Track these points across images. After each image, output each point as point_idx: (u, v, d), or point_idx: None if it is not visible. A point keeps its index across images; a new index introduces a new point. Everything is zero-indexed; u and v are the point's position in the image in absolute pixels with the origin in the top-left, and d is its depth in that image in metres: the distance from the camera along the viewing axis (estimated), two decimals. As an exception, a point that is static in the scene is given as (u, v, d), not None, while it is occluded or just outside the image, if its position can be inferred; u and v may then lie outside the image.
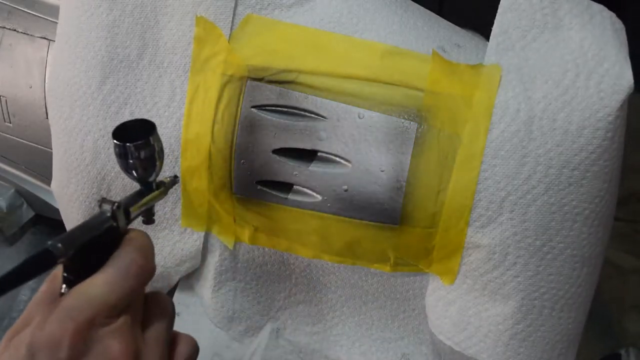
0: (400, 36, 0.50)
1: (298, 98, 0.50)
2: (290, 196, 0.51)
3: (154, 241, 0.57)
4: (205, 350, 0.59)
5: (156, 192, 0.37)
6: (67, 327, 0.29)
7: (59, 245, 0.29)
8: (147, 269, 0.33)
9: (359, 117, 0.49)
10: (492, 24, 0.49)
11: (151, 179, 0.37)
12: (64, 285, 0.31)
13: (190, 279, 0.60)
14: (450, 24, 0.56)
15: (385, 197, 0.49)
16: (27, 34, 0.60)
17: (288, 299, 0.59)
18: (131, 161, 0.36)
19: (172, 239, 0.56)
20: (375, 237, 0.51)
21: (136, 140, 0.35)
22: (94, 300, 0.30)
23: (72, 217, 0.57)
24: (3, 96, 0.62)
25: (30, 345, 0.28)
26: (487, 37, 0.50)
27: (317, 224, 0.51)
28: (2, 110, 0.62)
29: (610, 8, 0.51)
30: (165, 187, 0.38)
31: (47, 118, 0.57)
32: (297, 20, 0.51)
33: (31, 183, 0.68)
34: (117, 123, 0.37)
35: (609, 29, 0.48)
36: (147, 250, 0.33)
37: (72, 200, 0.55)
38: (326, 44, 0.50)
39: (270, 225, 0.53)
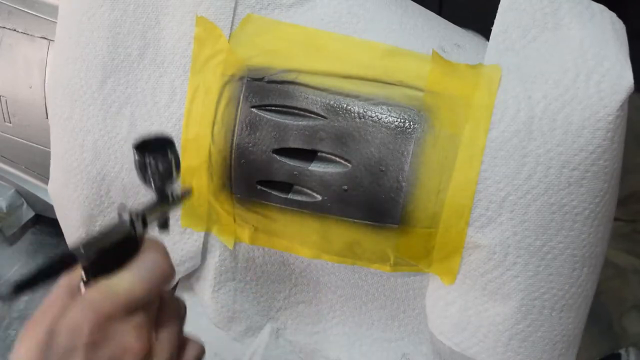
0: (400, 36, 0.50)
1: (298, 98, 0.50)
2: (290, 196, 0.51)
3: (154, 241, 0.57)
4: (206, 351, 0.59)
5: (171, 203, 0.40)
6: (88, 316, 0.30)
7: (81, 249, 0.31)
8: (169, 272, 0.34)
9: (358, 117, 0.49)
10: (492, 24, 0.50)
11: (167, 190, 0.39)
12: (81, 284, 0.33)
13: (190, 279, 0.60)
14: (450, 24, 0.56)
15: (386, 197, 0.49)
16: (27, 34, 0.60)
17: (288, 299, 0.59)
18: (149, 173, 0.38)
19: (172, 239, 0.56)
20: (375, 237, 0.51)
21: (155, 153, 0.38)
22: (117, 296, 0.31)
23: (71, 218, 0.56)
24: (3, 96, 0.62)
25: (49, 328, 0.29)
26: (487, 37, 0.50)
27: (317, 224, 0.51)
28: (2, 110, 0.62)
29: (610, 8, 0.51)
30: (179, 198, 0.40)
31: (47, 118, 0.57)
32: (297, 20, 0.51)
33: (31, 183, 0.68)
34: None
35: (609, 29, 0.48)
36: (168, 255, 0.35)
37: (71, 201, 0.55)
38: (326, 43, 0.50)
39: (270, 225, 0.53)
